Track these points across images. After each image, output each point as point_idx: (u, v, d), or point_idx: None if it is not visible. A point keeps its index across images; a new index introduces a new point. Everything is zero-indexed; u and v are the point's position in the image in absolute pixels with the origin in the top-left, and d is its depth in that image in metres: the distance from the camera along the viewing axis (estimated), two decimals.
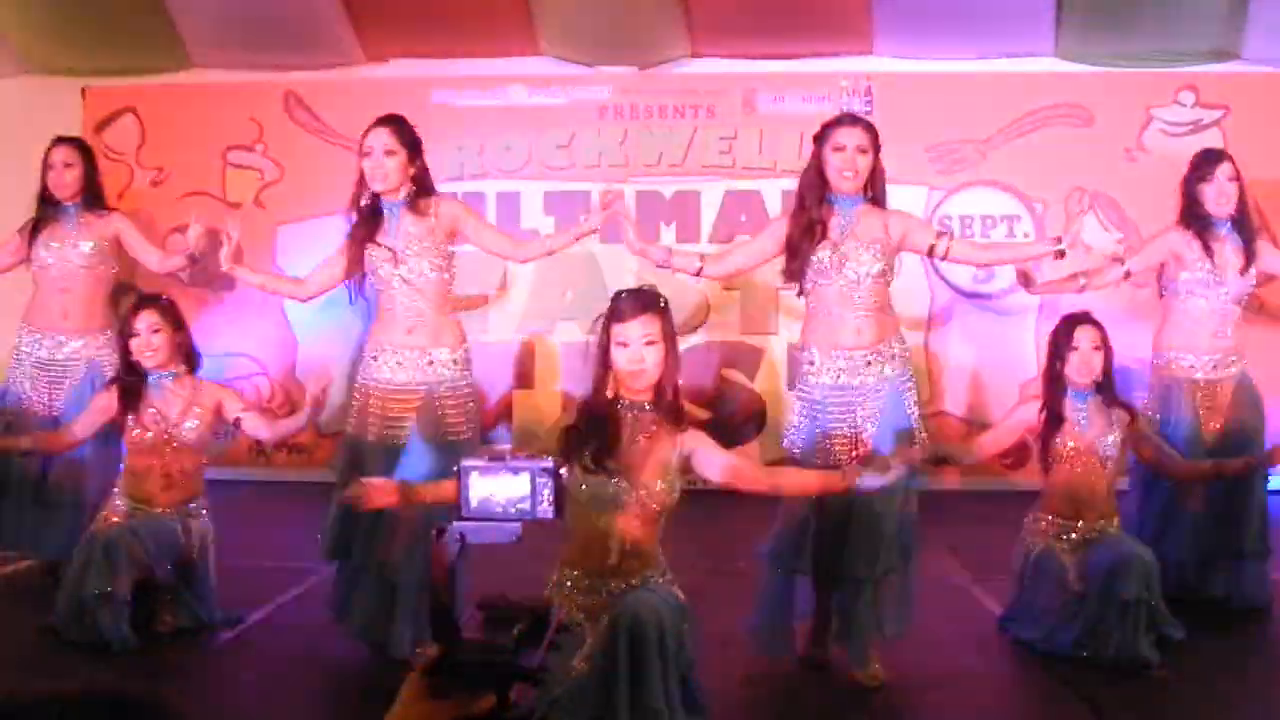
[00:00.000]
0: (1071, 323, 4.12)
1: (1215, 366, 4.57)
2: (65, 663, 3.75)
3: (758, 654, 3.77)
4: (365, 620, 3.86)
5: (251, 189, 7.28)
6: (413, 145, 3.96)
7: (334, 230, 6.99)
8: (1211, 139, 6.84)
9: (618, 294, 3.16)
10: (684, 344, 7.14)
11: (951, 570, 4.93)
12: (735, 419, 6.88)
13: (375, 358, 3.95)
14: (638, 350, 3.05)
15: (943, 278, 6.86)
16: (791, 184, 6.92)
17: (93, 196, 5.04)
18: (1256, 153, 6.77)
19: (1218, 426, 4.53)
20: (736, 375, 7.04)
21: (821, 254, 3.70)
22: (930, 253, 3.83)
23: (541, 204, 7.17)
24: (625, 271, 7.01)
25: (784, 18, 6.83)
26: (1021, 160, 6.98)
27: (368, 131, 3.95)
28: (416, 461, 3.69)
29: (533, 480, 1.47)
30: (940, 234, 3.85)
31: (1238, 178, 4.59)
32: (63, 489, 4.75)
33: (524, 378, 7.10)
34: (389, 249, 3.91)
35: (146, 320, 4.25)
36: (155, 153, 7.30)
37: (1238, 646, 4.11)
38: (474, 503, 1.47)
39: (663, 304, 3.12)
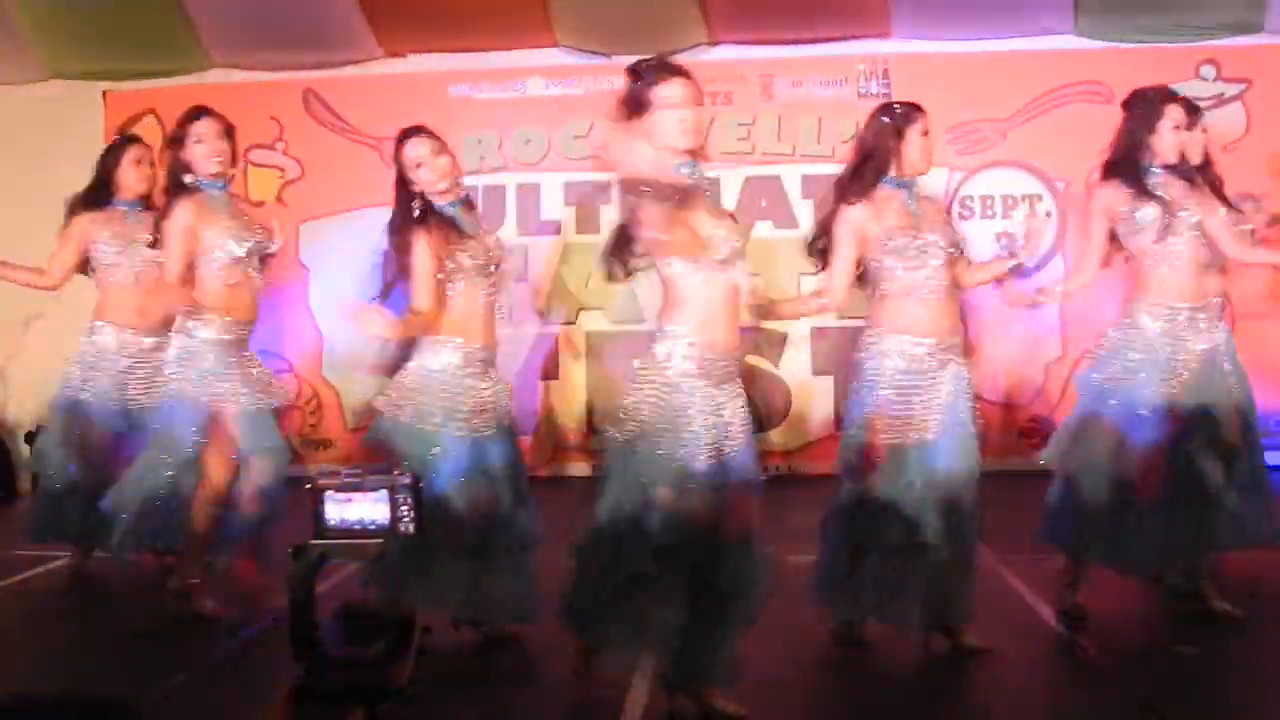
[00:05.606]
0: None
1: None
2: (85, 665, 3.76)
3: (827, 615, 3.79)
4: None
5: (273, 187, 7.35)
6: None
7: (356, 226, 7.07)
8: (1234, 113, 6.80)
9: None
10: None
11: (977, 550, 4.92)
12: (763, 409, 6.87)
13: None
14: None
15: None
16: (811, 169, 6.97)
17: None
18: None
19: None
20: (761, 362, 7.04)
21: (902, 241, 3.60)
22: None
23: (562, 195, 7.19)
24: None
25: (800, 2, 6.83)
26: (1042, 139, 6.95)
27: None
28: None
29: (391, 498, 1.43)
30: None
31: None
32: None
33: (548, 368, 7.13)
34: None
35: (211, 126, 4.04)
36: None
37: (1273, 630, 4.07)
38: (331, 521, 1.42)
39: None
